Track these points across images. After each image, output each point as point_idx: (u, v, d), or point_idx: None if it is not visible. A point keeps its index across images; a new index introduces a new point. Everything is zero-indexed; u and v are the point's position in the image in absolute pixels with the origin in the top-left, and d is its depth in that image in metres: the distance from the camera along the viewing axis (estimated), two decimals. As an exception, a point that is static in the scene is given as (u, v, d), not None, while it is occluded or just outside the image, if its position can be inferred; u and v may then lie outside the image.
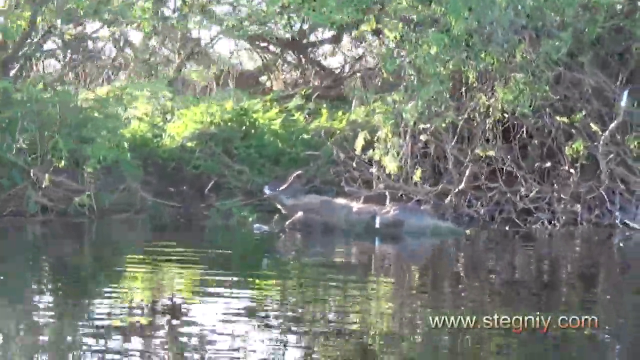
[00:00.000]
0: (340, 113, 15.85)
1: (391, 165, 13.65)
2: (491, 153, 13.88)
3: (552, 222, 13.61)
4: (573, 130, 13.94)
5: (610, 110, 13.86)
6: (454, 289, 9.31)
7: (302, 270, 10.47)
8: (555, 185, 13.96)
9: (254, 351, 6.46)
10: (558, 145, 14.05)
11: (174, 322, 7.43)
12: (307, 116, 16.21)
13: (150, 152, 14.65)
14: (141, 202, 13.66)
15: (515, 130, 14.04)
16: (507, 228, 13.46)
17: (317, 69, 18.98)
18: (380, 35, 14.79)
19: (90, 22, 16.18)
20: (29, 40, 14.75)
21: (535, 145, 14.18)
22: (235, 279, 9.50)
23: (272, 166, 14.79)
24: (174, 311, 7.79)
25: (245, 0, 16.94)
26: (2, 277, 9.12)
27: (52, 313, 7.82)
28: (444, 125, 13.69)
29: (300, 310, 7.92)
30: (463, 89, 13.98)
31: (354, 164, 14.06)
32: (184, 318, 7.59)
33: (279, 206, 13.28)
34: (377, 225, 12.70)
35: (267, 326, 7.24)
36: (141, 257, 10.81)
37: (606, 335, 6.41)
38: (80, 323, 7.36)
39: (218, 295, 8.52)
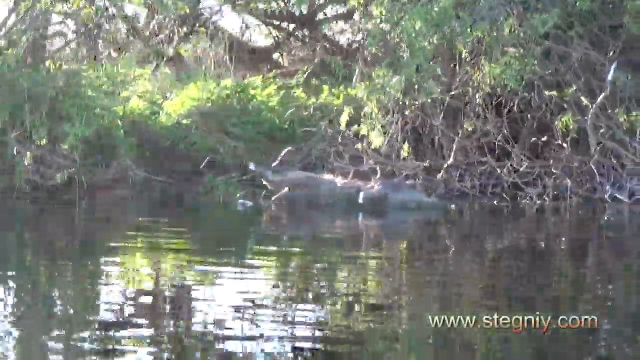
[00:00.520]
0: (340, 89, 15.82)
1: (377, 140, 13.66)
2: (481, 128, 13.82)
3: (543, 196, 13.55)
4: (565, 105, 13.83)
5: (601, 84, 13.70)
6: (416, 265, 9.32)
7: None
8: (547, 160, 13.87)
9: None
10: (550, 120, 13.95)
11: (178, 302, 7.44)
12: (308, 93, 16.18)
13: (146, 129, 14.75)
14: (134, 179, 13.82)
15: (505, 105, 13.95)
16: (495, 203, 13.44)
17: (327, 45, 18.95)
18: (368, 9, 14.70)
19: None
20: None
21: (526, 120, 14.09)
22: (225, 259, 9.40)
23: (269, 143, 14.82)
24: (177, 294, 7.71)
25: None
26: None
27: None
28: (429, 101, 13.63)
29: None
30: (452, 65, 13.92)
31: (340, 140, 14.07)
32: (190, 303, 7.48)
33: (264, 182, 13.39)
34: (361, 201, 12.76)
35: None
36: (126, 234, 10.99)
37: (605, 335, 6.34)
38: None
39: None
